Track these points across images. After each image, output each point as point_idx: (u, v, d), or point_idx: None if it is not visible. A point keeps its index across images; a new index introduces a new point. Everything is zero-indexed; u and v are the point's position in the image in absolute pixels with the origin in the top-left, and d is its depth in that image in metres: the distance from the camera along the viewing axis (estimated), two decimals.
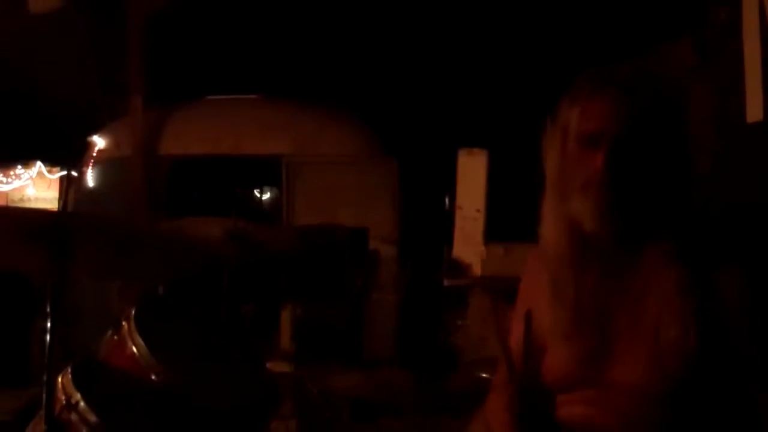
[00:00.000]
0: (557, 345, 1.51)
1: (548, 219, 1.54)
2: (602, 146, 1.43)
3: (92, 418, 1.85)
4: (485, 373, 2.58)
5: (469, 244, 5.55)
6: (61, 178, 9.02)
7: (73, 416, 1.85)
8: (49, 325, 1.86)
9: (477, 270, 5.39)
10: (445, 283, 5.38)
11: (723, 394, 1.39)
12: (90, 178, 7.05)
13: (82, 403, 1.86)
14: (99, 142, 7.11)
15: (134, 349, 2.08)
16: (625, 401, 1.42)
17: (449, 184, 5.83)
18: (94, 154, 7.06)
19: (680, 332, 1.37)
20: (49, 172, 9.15)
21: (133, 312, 2.16)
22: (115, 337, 2.15)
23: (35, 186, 9.19)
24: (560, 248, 1.52)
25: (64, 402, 1.87)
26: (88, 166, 7.02)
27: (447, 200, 5.85)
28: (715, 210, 1.60)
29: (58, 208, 8.18)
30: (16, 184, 9.13)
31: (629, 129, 1.42)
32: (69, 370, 1.94)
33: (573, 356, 1.49)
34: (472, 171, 5.67)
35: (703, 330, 1.37)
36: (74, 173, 7.11)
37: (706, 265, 1.40)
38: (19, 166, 9.07)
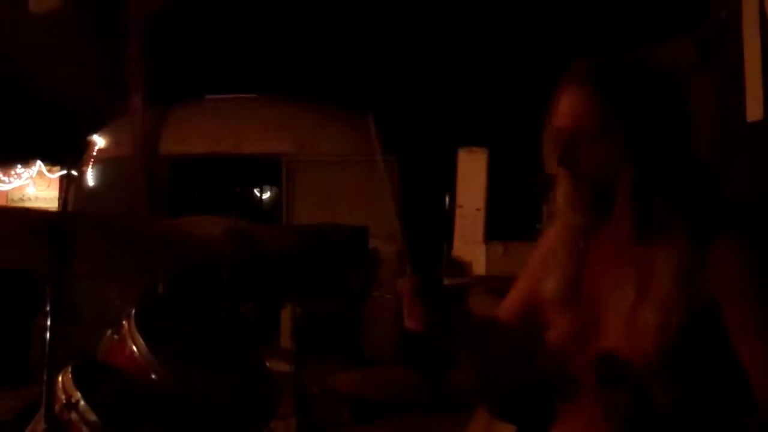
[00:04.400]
0: (555, 318, 1.56)
1: (552, 207, 1.60)
2: (561, 144, 1.48)
3: (92, 417, 1.85)
4: None
5: (469, 242, 5.55)
6: (61, 177, 9.01)
7: (74, 415, 1.85)
8: (49, 324, 1.86)
9: (477, 269, 5.39)
10: (445, 281, 5.38)
11: (715, 381, 1.41)
12: (90, 178, 7.06)
13: (82, 402, 1.86)
14: (99, 141, 7.11)
15: (134, 348, 2.08)
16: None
17: (449, 183, 5.83)
18: (94, 154, 7.06)
19: (659, 314, 1.40)
20: (49, 171, 9.14)
21: (134, 311, 2.16)
22: (116, 337, 2.15)
23: (35, 185, 9.19)
24: (556, 236, 1.58)
25: (64, 401, 1.87)
26: (88, 166, 7.03)
27: (447, 199, 5.85)
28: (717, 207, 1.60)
29: (59, 207, 8.18)
30: (16, 183, 9.13)
31: (598, 127, 1.44)
32: (69, 370, 1.94)
33: (567, 330, 1.53)
34: (472, 170, 5.67)
35: (689, 317, 1.39)
36: (74, 172, 7.11)
37: (702, 253, 1.41)
38: (19, 166, 9.07)
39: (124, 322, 2.15)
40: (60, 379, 1.91)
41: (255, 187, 9.20)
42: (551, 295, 1.56)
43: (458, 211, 5.69)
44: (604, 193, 1.46)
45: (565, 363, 1.53)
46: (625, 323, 1.44)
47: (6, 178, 9.08)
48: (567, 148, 1.46)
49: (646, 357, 1.40)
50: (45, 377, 1.83)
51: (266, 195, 9.20)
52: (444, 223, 5.78)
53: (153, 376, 2.05)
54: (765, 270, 1.41)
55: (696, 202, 1.44)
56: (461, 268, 5.44)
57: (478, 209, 5.58)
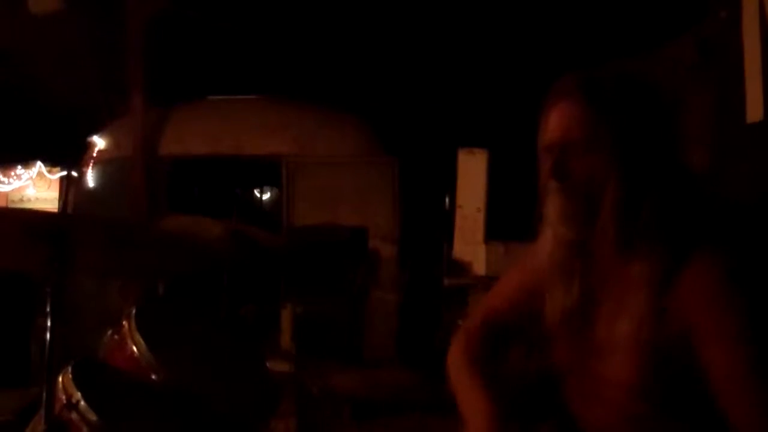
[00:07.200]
0: (555, 338, 1.57)
1: (545, 221, 1.57)
2: (552, 157, 1.47)
3: (92, 417, 1.85)
4: None
5: (469, 243, 5.56)
6: (62, 178, 9.02)
7: (74, 415, 1.85)
8: (49, 324, 1.86)
9: (477, 269, 5.39)
10: (445, 282, 5.38)
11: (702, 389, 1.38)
12: (90, 178, 7.05)
13: (82, 403, 1.86)
14: (99, 142, 7.11)
15: (135, 348, 2.08)
16: (607, 393, 1.47)
17: (449, 184, 5.83)
18: (95, 154, 7.06)
19: (632, 326, 1.39)
20: (50, 172, 9.15)
21: (134, 311, 2.16)
22: (116, 337, 2.16)
23: (35, 186, 9.20)
24: (551, 251, 1.55)
25: (64, 401, 1.86)
26: (88, 166, 7.02)
27: (447, 199, 5.86)
28: (714, 209, 1.59)
29: (59, 208, 8.19)
30: (16, 184, 9.14)
31: (586, 137, 1.44)
32: (69, 370, 1.94)
33: (565, 350, 1.55)
34: (472, 170, 5.67)
35: (664, 324, 1.37)
36: (74, 173, 7.11)
37: (670, 260, 1.39)
38: (20, 167, 9.08)
39: (124, 322, 2.15)
40: (60, 379, 1.91)
41: (255, 188, 9.21)
42: (556, 318, 1.55)
43: (458, 211, 5.70)
44: (594, 205, 1.45)
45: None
46: (608, 342, 1.45)
47: (6, 179, 9.09)
48: (558, 161, 1.46)
49: (628, 376, 1.40)
50: (45, 377, 1.83)
51: (266, 196, 9.21)
52: (444, 223, 5.78)
53: (153, 376, 2.05)
54: (747, 293, 1.33)
55: (681, 214, 1.42)
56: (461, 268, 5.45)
57: (478, 209, 5.59)
